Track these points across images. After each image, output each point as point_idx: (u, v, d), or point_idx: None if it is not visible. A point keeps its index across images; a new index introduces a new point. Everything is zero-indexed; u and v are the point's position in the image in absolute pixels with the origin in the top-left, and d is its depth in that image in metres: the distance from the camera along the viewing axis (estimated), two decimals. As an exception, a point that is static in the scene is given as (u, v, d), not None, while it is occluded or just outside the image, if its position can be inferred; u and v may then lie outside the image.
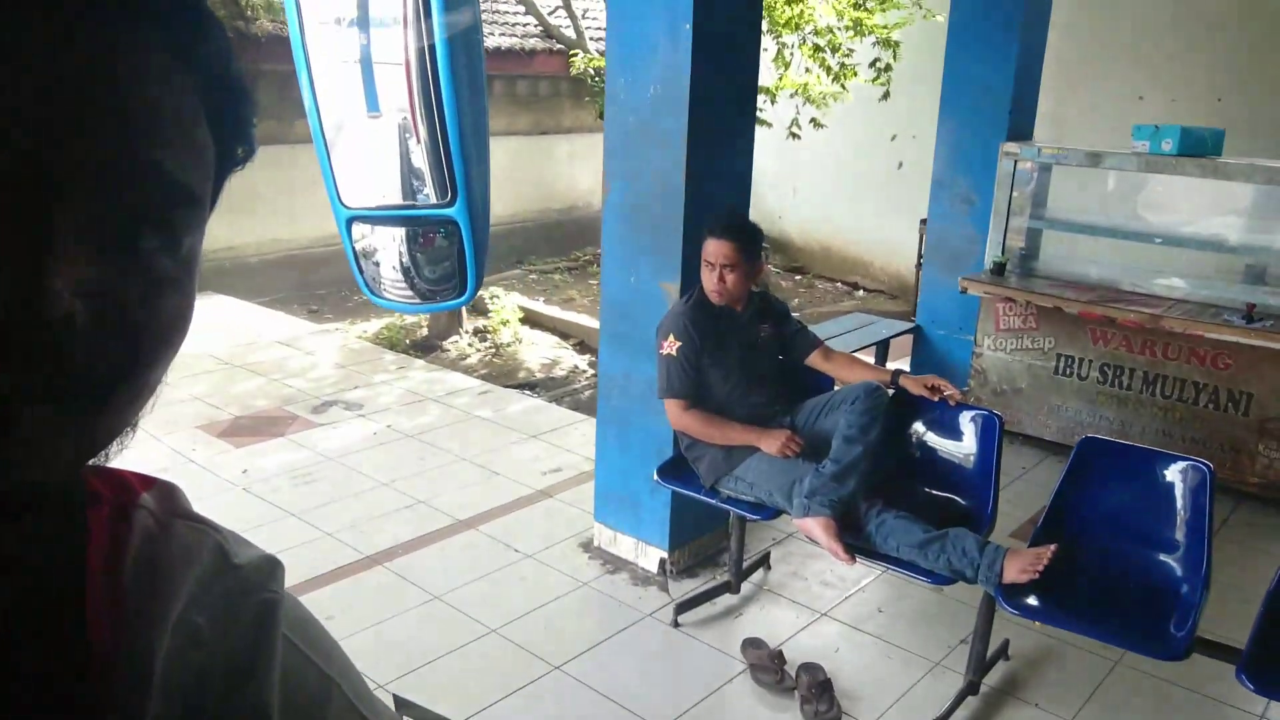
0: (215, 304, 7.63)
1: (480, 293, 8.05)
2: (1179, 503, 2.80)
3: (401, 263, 1.88)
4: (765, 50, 6.71)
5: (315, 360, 6.42)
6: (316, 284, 9.32)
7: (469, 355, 7.36)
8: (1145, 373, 4.65)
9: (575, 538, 3.98)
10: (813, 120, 7.38)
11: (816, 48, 7.26)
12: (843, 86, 7.33)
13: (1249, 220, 4.71)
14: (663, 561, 3.69)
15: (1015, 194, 5.09)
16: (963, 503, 3.13)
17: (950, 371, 5.17)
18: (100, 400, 0.41)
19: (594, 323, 7.80)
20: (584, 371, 7.14)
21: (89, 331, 0.38)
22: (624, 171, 3.44)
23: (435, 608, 3.46)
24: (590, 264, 10.79)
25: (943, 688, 3.07)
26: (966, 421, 3.19)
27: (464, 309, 7.70)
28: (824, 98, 7.40)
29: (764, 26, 6.82)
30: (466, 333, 7.64)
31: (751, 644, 3.20)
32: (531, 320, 7.99)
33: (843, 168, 9.66)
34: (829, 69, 7.26)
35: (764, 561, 3.77)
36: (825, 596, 3.62)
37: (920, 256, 7.37)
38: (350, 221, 1.84)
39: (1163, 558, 2.79)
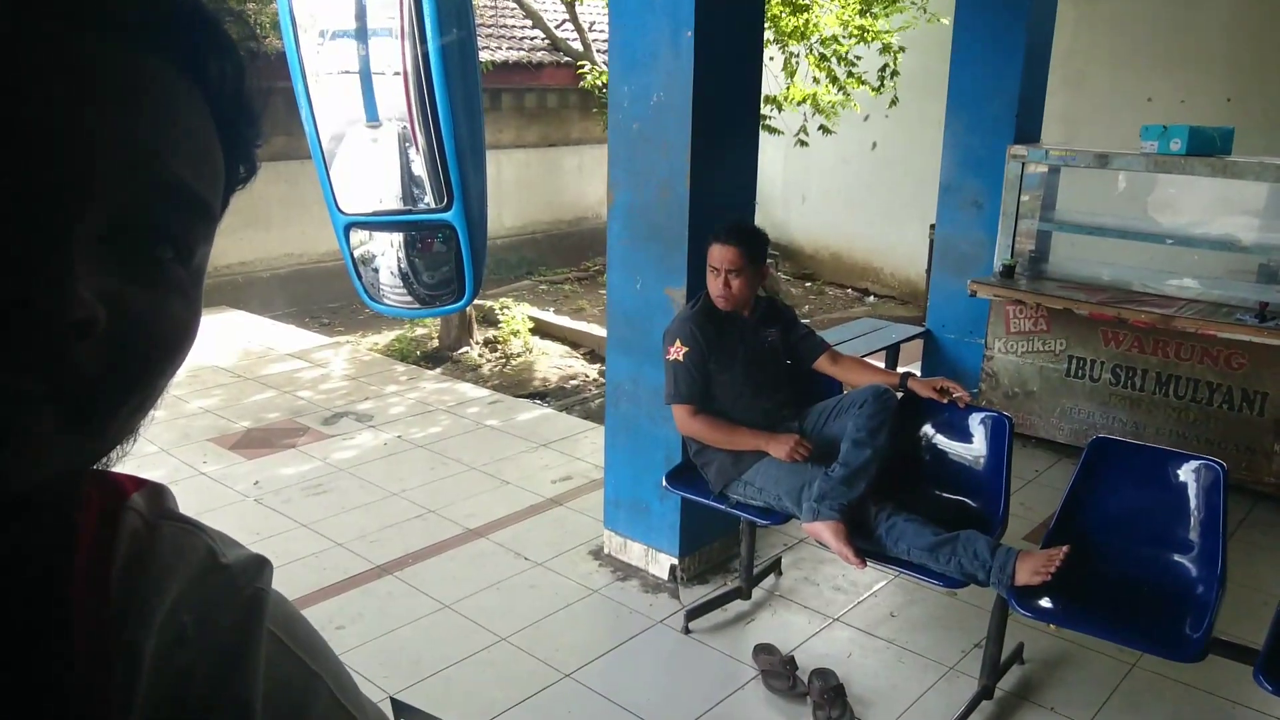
0: (228, 318, 7.67)
1: (491, 303, 8.08)
2: (1193, 502, 2.77)
3: (400, 268, 1.89)
4: (771, 60, 6.73)
5: (326, 372, 6.44)
6: (327, 297, 9.36)
7: (479, 366, 7.37)
8: (1158, 374, 4.62)
9: (585, 545, 3.97)
10: (821, 127, 7.38)
11: (823, 57, 7.27)
12: (848, 96, 7.34)
13: (1260, 219, 4.67)
14: (673, 568, 3.68)
15: (1023, 196, 5.07)
16: (974, 505, 3.10)
17: (961, 375, 5.15)
18: (107, 407, 0.41)
19: (603, 332, 7.78)
20: (594, 380, 7.13)
21: (103, 338, 0.39)
22: (628, 179, 3.44)
23: (445, 616, 3.46)
24: (599, 274, 10.81)
25: (957, 692, 3.04)
26: (976, 423, 3.17)
27: (474, 320, 7.72)
28: (832, 107, 7.41)
29: (770, 36, 6.85)
30: (477, 343, 7.65)
31: (763, 650, 3.19)
32: (542, 330, 8.00)
33: (851, 174, 9.66)
34: (835, 78, 7.28)
35: (775, 567, 3.75)
36: (837, 601, 3.59)
37: (930, 261, 7.35)
38: (348, 228, 1.85)
39: (1177, 558, 2.76)
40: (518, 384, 6.98)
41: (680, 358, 3.10)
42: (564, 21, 9.73)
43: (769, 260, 3.28)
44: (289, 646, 0.55)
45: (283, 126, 9.25)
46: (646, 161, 3.35)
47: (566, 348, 7.84)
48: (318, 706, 0.55)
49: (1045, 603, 2.67)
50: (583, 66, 8.69)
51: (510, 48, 10.31)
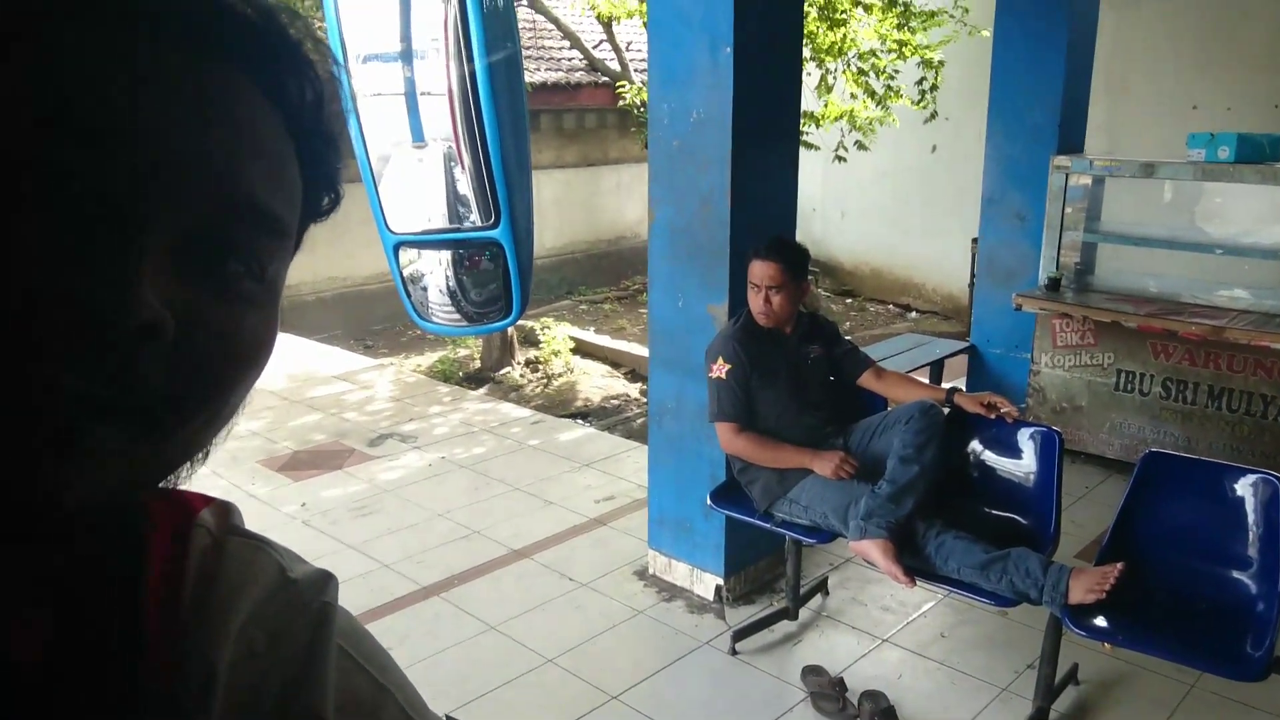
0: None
1: (532, 324, 8.12)
2: (1250, 517, 2.70)
3: (448, 286, 1.91)
4: (809, 75, 6.71)
5: (371, 394, 6.51)
6: (371, 319, 9.48)
7: (522, 386, 7.40)
8: (1210, 386, 4.52)
9: (630, 565, 3.96)
10: (858, 143, 7.35)
11: (861, 71, 7.25)
12: (886, 110, 7.30)
13: (1315, 227, 4.57)
14: (719, 588, 3.66)
15: (1068, 208, 5.00)
16: (1023, 522, 3.05)
17: (1008, 390, 5.07)
18: (176, 418, 0.41)
19: (644, 351, 7.80)
20: (636, 400, 7.13)
21: (170, 348, 0.38)
22: (669, 196, 3.45)
23: (491, 638, 3.46)
24: (639, 293, 10.83)
25: (1010, 715, 2.99)
26: (1025, 439, 3.12)
27: (515, 340, 7.76)
28: (870, 123, 7.37)
29: (806, 54, 6.84)
30: (519, 363, 7.69)
31: (812, 671, 3.15)
32: (582, 350, 8.02)
33: (891, 189, 9.60)
34: (873, 94, 7.24)
35: (822, 587, 3.71)
36: (886, 622, 3.55)
37: (973, 276, 7.28)
38: (397, 247, 1.87)
39: (1235, 575, 2.69)
40: (560, 404, 7.00)
41: (723, 375, 3.09)
42: (601, 42, 9.81)
43: (809, 277, 3.26)
44: (358, 660, 0.55)
45: (326, 152, 9.43)
46: (687, 178, 3.35)
47: (608, 367, 7.85)
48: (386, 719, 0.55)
49: (1100, 621, 2.61)
50: (621, 86, 8.74)
51: (549, 69, 10.40)
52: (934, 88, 7.22)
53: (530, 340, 8.01)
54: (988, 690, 3.13)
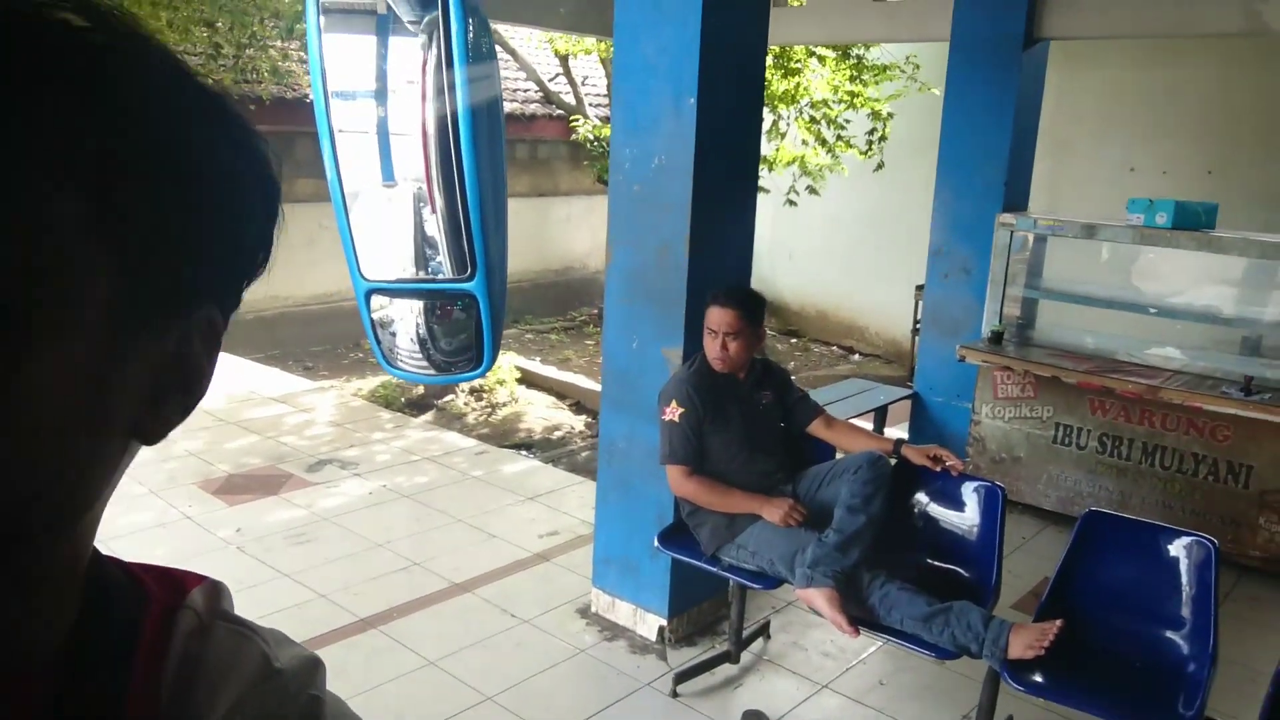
0: (211, 360, 7.61)
1: (477, 352, 8.07)
2: (1184, 578, 2.78)
3: (418, 334, 1.88)
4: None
5: (311, 418, 6.39)
6: (311, 340, 9.33)
7: (465, 415, 7.34)
8: (1144, 443, 4.66)
9: (572, 603, 3.94)
10: (809, 188, 7.48)
11: (813, 119, 7.39)
12: (836, 159, 7.46)
13: (1243, 293, 4.75)
14: (662, 629, 3.65)
15: (1011, 264, 5.14)
16: (965, 575, 3.10)
17: (949, 439, 5.18)
18: None
19: (590, 383, 7.80)
20: (581, 432, 7.12)
21: None
22: (628, 238, 3.47)
23: (430, 673, 3.41)
24: (586, 324, 10.84)
25: (946, 764, 3.02)
26: (969, 492, 3.18)
27: (461, 368, 7.69)
28: (820, 170, 7.52)
29: (762, 97, 6.96)
30: (463, 392, 7.62)
31: (752, 716, 3.15)
32: (528, 380, 7.98)
33: (838, 233, 9.76)
34: (824, 141, 7.40)
35: (764, 630, 3.72)
36: (826, 668, 3.57)
37: (916, 322, 7.42)
38: (369, 293, 1.85)
39: (1169, 634, 2.76)
40: (503, 434, 6.96)
41: (676, 419, 3.10)
42: (557, 75, 9.86)
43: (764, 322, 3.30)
44: None
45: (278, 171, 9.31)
46: (646, 222, 3.38)
47: (553, 398, 7.83)
48: None
49: (1038, 677, 2.66)
50: (575, 119, 8.78)
51: (505, 99, 10.41)
52: (883, 138, 7.39)
53: (476, 368, 7.94)
54: (925, 740, 3.16)
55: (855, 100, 7.29)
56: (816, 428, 3.33)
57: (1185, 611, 2.74)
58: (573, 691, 3.39)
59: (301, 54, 8.07)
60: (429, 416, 7.16)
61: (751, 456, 3.17)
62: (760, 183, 6.96)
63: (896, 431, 5.56)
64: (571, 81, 9.44)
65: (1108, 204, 6.16)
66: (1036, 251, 5.25)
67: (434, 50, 1.53)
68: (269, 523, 4.63)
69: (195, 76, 0.44)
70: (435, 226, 1.71)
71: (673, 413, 3.11)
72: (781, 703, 3.33)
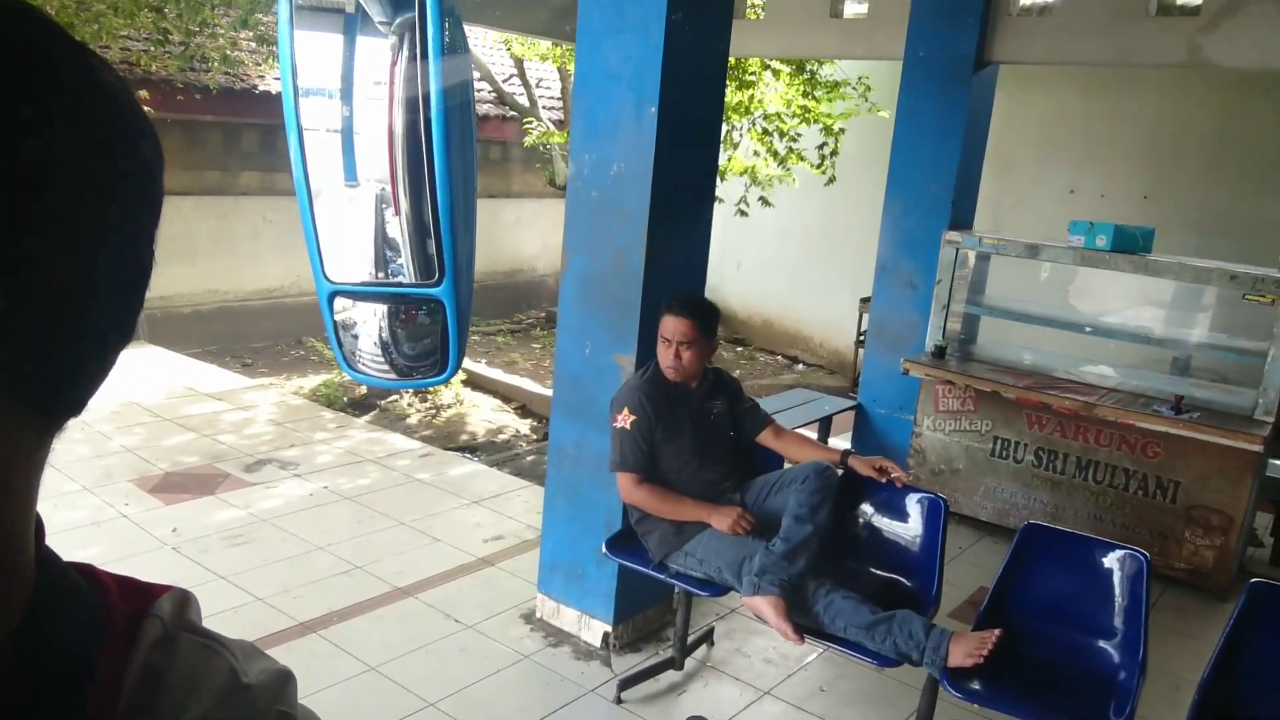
0: (147, 354, 7.45)
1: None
2: (1117, 590, 2.87)
3: (381, 338, 1.86)
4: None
5: (250, 416, 6.28)
6: (252, 337, 9.17)
7: (408, 415, 7.27)
8: (1078, 458, 4.79)
9: (517, 608, 3.92)
10: (761, 199, 7.56)
11: (765, 131, 7.48)
12: (787, 170, 7.55)
13: (1175, 315, 4.92)
14: (606, 635, 3.65)
15: (956, 280, 5.25)
16: (907, 584, 3.16)
17: (891, 450, 5.26)
18: None
19: (536, 387, 7.78)
20: (526, 436, 7.09)
21: None
22: (584, 245, 3.47)
23: (371, 679, 3.37)
24: (534, 327, 10.81)
25: (885, 771, 3.07)
26: (913, 504, 3.24)
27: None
28: (770, 180, 7.60)
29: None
30: (407, 392, 7.55)
31: (695, 723, 3.17)
32: (474, 382, 7.93)
33: (787, 245, 9.87)
34: (775, 153, 7.48)
35: (708, 637, 3.75)
36: (768, 674, 3.60)
37: (860, 334, 7.53)
38: (333, 296, 1.82)
39: (1101, 644, 2.85)
40: (447, 436, 6.90)
41: (628, 426, 3.11)
42: (511, 76, 9.84)
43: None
44: None
45: (217, 162, 9.09)
46: (603, 229, 3.38)
47: (499, 401, 7.79)
48: None
49: (976, 685, 2.72)
50: (529, 122, 8.77)
51: (456, 99, 10.34)
52: (834, 153, 7.50)
53: (421, 369, 7.87)
54: (864, 747, 3.21)
55: (808, 115, 7.39)
56: (766, 438, 3.36)
57: (1117, 622, 2.83)
58: (516, 698, 3.38)
59: (252, 44, 7.93)
60: (372, 417, 7.08)
61: (701, 465, 3.20)
62: (712, 192, 7.04)
63: (839, 442, 5.63)
64: (526, 84, 9.42)
65: (1049, 223, 6.33)
66: (980, 269, 5.37)
67: (408, 50, 1.53)
68: (206, 523, 4.54)
69: None
70: (403, 230, 1.69)
71: (624, 420, 3.12)
72: (725, 709, 3.35)
